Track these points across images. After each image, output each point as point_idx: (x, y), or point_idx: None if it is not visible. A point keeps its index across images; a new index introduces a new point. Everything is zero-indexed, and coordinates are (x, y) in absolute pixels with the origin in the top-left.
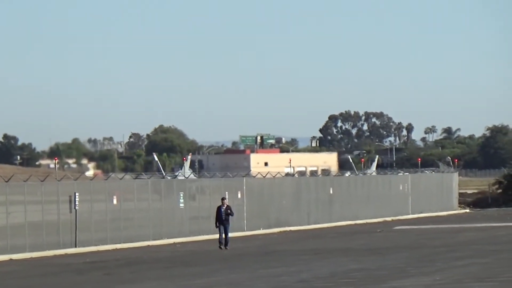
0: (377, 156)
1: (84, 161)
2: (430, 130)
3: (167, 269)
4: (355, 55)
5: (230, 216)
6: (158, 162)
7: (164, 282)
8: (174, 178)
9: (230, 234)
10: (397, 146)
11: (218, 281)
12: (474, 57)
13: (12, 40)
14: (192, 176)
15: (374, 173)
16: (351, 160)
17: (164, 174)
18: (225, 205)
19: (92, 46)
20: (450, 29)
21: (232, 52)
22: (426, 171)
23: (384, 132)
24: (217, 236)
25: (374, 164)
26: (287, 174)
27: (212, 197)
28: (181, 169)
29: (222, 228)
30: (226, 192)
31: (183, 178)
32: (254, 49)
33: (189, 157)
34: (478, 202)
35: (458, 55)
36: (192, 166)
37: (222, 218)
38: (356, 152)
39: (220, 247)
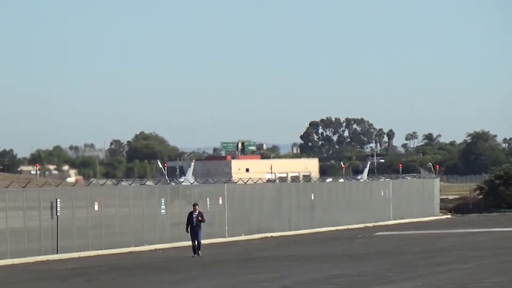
0: (369, 162)
1: (66, 167)
2: (411, 136)
3: (149, 275)
4: (336, 61)
5: (202, 223)
6: (163, 168)
7: None
8: (179, 184)
9: (208, 241)
10: (378, 152)
11: (199, 287)
12: (455, 64)
13: None
14: (195, 182)
15: (365, 179)
16: (342, 165)
17: (168, 180)
18: (197, 211)
19: (74, 52)
20: (431, 34)
21: (213, 58)
22: (408, 177)
23: (365, 139)
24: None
25: (366, 170)
26: (269, 180)
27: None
28: (184, 175)
29: (193, 235)
30: (208, 199)
31: (188, 183)
32: (235, 55)
33: (193, 164)
34: (459, 207)
35: (439, 62)
36: (173, 172)
37: (194, 224)
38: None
39: (194, 255)
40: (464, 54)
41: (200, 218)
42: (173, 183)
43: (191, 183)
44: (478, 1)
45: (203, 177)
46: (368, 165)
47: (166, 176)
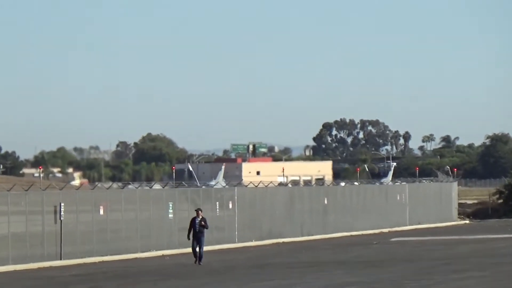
0: (394, 164)
1: (70, 170)
2: (428, 138)
3: (156, 282)
4: (351, 62)
5: (205, 229)
6: (193, 171)
7: None
8: (210, 187)
9: (217, 246)
10: (394, 155)
11: None
12: (474, 64)
13: None
14: (219, 185)
15: (390, 183)
16: (367, 169)
17: (198, 183)
18: (200, 217)
19: (78, 53)
20: (449, 35)
21: (223, 58)
22: (424, 181)
23: (381, 141)
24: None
25: (391, 173)
26: (280, 184)
27: (202, 207)
28: (215, 178)
29: (195, 241)
30: (217, 203)
31: (220, 187)
32: (246, 55)
33: (223, 167)
34: (478, 212)
35: (457, 62)
36: (181, 175)
37: (196, 231)
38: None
39: (195, 262)
40: (483, 53)
41: (203, 223)
42: (204, 187)
43: (223, 187)
44: None
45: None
46: (392, 168)
47: (197, 180)
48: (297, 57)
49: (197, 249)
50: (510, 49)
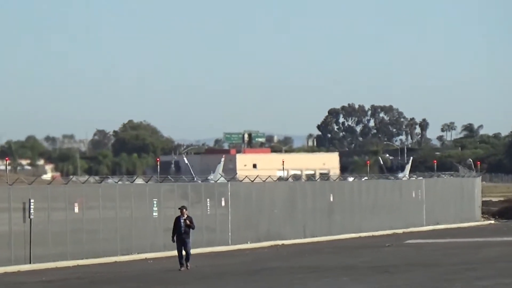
0: (411, 158)
1: (41, 162)
2: (448, 127)
3: None
4: (359, 41)
5: (191, 229)
6: (189, 164)
7: None
8: (206, 181)
9: (208, 249)
10: (409, 146)
11: None
12: (498, 44)
13: None
14: (223, 180)
15: (406, 177)
16: (381, 162)
17: (195, 177)
18: (185, 216)
19: (50, 34)
20: (472, 11)
21: (214, 36)
22: (443, 176)
23: (394, 130)
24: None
25: (408, 166)
26: (280, 178)
27: (191, 204)
28: (213, 172)
29: (180, 244)
30: (208, 200)
31: (212, 182)
32: (241, 32)
33: (223, 159)
34: (504, 211)
35: (479, 41)
36: (167, 168)
37: (181, 232)
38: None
39: (180, 268)
40: (509, 30)
41: (188, 223)
42: (200, 181)
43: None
44: None
45: (203, 174)
46: (410, 161)
47: (193, 173)
48: (298, 34)
49: (183, 252)
50: None
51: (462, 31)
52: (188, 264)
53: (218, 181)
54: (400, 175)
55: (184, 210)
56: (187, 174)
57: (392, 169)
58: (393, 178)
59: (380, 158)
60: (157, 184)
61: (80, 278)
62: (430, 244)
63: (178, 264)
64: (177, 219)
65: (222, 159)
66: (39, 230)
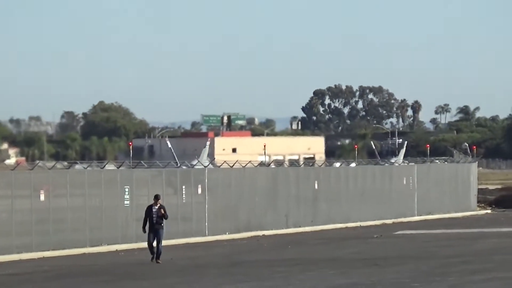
0: (405, 142)
1: (4, 146)
2: (442, 109)
3: (108, 283)
4: (347, 18)
5: (163, 219)
6: (172, 149)
7: None
8: (192, 167)
9: (184, 240)
10: (401, 129)
11: None
12: (494, 21)
13: None
14: (210, 166)
15: (401, 163)
16: (373, 146)
17: (178, 163)
18: (158, 205)
19: (15, 11)
20: None
21: (194, 19)
22: (437, 161)
23: (384, 112)
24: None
25: (403, 151)
26: (261, 164)
27: (165, 192)
28: (198, 157)
29: (152, 234)
30: (183, 187)
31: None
32: (221, 15)
33: (208, 143)
34: (502, 200)
35: (475, 18)
36: (140, 152)
37: (154, 222)
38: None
39: (152, 259)
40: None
41: (162, 212)
42: (184, 167)
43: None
44: None
45: (179, 159)
46: (405, 146)
47: (176, 158)
48: (281, 12)
49: (154, 243)
50: None
51: (457, 9)
52: (159, 260)
53: (196, 167)
54: (395, 160)
55: (158, 199)
56: (170, 159)
57: (382, 155)
58: (386, 164)
59: (372, 142)
60: (129, 170)
61: (46, 271)
62: (422, 235)
63: (149, 257)
64: (149, 208)
65: (207, 143)
66: (1, 219)
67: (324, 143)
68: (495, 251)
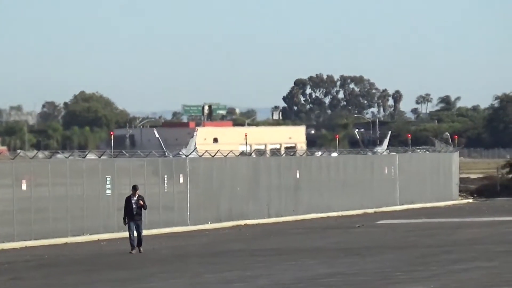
0: (390, 132)
1: None
2: (424, 99)
3: (89, 272)
4: (328, 7)
5: (143, 210)
6: (160, 138)
7: None
8: (178, 156)
9: (166, 230)
10: (382, 119)
11: None
12: (479, 10)
13: None
14: (195, 154)
15: (385, 153)
16: (358, 136)
17: (166, 152)
18: (137, 195)
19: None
20: None
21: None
22: (418, 151)
23: (365, 102)
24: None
25: (386, 140)
26: (242, 153)
27: (147, 181)
28: (185, 146)
29: (132, 225)
30: (165, 177)
31: (192, 156)
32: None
33: (196, 133)
34: (483, 189)
35: (456, 7)
36: (121, 142)
37: (133, 213)
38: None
39: (131, 251)
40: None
41: (141, 202)
42: (171, 156)
43: (200, 156)
44: None
45: (160, 149)
46: (389, 135)
47: (164, 148)
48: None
49: (134, 234)
50: None
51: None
52: (141, 248)
53: (190, 156)
54: (378, 149)
55: (137, 189)
56: (151, 149)
57: (364, 144)
58: (370, 153)
59: (356, 132)
60: (110, 159)
61: (28, 261)
62: (403, 224)
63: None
64: (128, 199)
65: (196, 133)
66: None
67: (305, 133)
68: (476, 240)
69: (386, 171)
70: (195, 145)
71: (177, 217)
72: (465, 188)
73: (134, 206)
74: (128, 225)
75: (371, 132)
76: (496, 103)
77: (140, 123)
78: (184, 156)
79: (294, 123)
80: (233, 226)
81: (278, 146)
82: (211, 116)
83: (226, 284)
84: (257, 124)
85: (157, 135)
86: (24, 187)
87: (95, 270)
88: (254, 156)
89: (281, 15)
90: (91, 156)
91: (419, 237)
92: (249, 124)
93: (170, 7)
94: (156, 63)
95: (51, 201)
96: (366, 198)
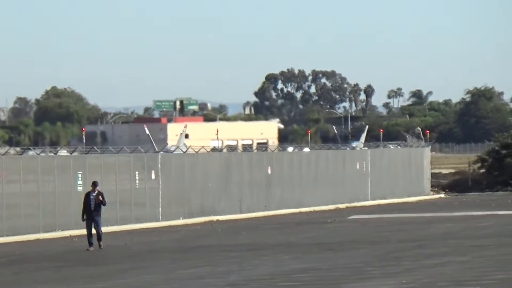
0: (367, 126)
1: None
2: (395, 93)
3: (61, 268)
4: (299, 1)
5: (102, 206)
6: (150, 135)
7: (56, 286)
8: (167, 152)
9: (137, 226)
10: (353, 113)
11: (125, 284)
12: (450, 4)
13: None
14: (182, 149)
15: (361, 147)
16: (335, 131)
17: (156, 148)
18: (96, 191)
19: None
20: None
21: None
22: (390, 146)
23: (337, 96)
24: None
25: (363, 135)
26: (214, 149)
27: (119, 177)
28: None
29: (90, 222)
30: (136, 173)
31: (181, 152)
32: None
33: (185, 128)
34: (455, 184)
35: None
36: (93, 138)
37: (92, 209)
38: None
39: (89, 249)
40: None
41: (101, 198)
42: (162, 152)
43: (184, 152)
44: None
45: (131, 145)
46: (366, 130)
47: (154, 144)
48: None
49: (92, 230)
50: None
51: None
52: (101, 243)
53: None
54: (355, 144)
55: (96, 185)
56: (122, 145)
57: (335, 140)
58: (348, 148)
59: (334, 127)
60: (82, 156)
61: None
62: (375, 219)
63: (107, 242)
64: (87, 195)
65: (184, 128)
66: None
67: (277, 128)
68: (448, 235)
69: (358, 166)
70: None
71: (149, 213)
72: (437, 183)
73: (92, 202)
74: (86, 221)
75: (342, 127)
76: (467, 98)
77: (111, 119)
78: (156, 152)
79: (266, 118)
80: (205, 222)
81: (250, 142)
82: (182, 111)
83: (198, 280)
84: (229, 119)
85: (148, 132)
86: None
87: (67, 266)
88: (226, 152)
89: (252, 10)
90: (62, 152)
91: (391, 232)
92: (220, 119)
93: (141, 2)
94: (127, 58)
95: (22, 197)
96: (338, 193)
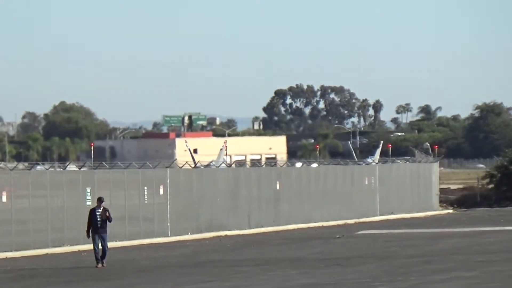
0: (381, 142)
1: None
2: (404, 109)
3: (70, 283)
4: (310, 16)
5: (108, 223)
6: (191, 150)
7: None
8: (208, 166)
9: (146, 241)
10: (362, 129)
11: None
12: (459, 20)
13: None
14: (223, 166)
15: (377, 162)
16: (350, 146)
17: (196, 163)
18: (102, 208)
19: None
20: None
21: (153, 17)
22: (399, 161)
23: (346, 112)
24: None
25: (378, 150)
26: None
27: (127, 193)
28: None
29: (97, 238)
30: (145, 188)
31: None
32: (181, 13)
33: (225, 144)
34: (464, 200)
35: (440, 16)
36: (101, 153)
37: (98, 226)
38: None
39: (97, 265)
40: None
41: (107, 214)
42: (202, 167)
43: (218, 166)
44: None
45: (140, 160)
46: (381, 145)
47: (194, 159)
48: (243, 9)
49: (99, 247)
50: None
51: (419, 9)
52: (104, 261)
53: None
54: (369, 159)
55: (102, 201)
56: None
57: (344, 155)
58: (364, 163)
59: (349, 142)
60: (91, 171)
61: (9, 272)
62: (384, 235)
63: (114, 256)
64: (92, 212)
65: (224, 144)
66: None
67: (285, 143)
68: (456, 250)
69: (366, 182)
70: (223, 156)
71: (157, 228)
72: (445, 199)
73: (98, 219)
74: (92, 238)
75: (357, 142)
76: (476, 113)
77: (120, 134)
78: (165, 167)
79: (274, 134)
80: (213, 237)
81: (258, 157)
82: (191, 126)
83: None
84: (238, 134)
85: (189, 147)
86: (4, 198)
87: (76, 281)
88: (235, 167)
89: (261, 25)
90: (71, 167)
91: (399, 247)
92: (229, 135)
93: (150, 18)
94: (136, 73)
95: (31, 212)
96: (346, 208)
